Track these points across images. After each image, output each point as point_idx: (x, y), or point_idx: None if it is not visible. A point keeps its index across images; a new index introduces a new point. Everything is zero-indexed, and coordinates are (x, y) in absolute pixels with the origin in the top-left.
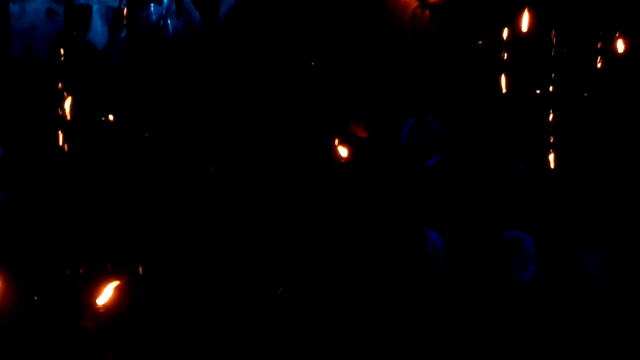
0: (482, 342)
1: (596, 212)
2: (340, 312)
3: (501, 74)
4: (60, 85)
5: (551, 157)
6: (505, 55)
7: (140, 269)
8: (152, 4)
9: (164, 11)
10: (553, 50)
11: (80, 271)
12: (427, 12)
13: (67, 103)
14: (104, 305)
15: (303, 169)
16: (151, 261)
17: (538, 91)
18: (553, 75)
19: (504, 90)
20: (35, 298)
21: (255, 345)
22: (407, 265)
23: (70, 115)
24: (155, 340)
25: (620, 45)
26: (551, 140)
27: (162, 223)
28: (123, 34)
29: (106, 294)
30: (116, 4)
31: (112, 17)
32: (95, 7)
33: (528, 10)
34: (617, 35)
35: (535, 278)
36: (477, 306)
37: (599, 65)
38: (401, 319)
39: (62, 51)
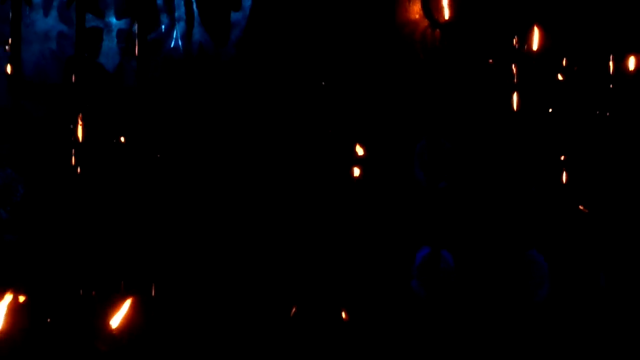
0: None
1: (609, 229)
2: (347, 321)
3: (512, 92)
4: (72, 107)
5: (564, 174)
6: (516, 73)
7: (153, 290)
8: (162, 26)
9: (175, 33)
10: (563, 67)
11: (93, 293)
12: (437, 32)
13: (79, 125)
14: (117, 327)
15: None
16: (163, 282)
17: (550, 109)
18: (564, 93)
19: (515, 109)
20: (49, 320)
21: None
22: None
23: (83, 137)
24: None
25: (631, 63)
26: (563, 158)
27: (175, 243)
28: (134, 55)
29: (119, 316)
30: (127, 27)
31: (124, 39)
32: (106, 29)
33: (537, 28)
34: (628, 53)
35: (549, 297)
36: (488, 323)
37: (609, 82)
38: (405, 334)
39: (73, 73)
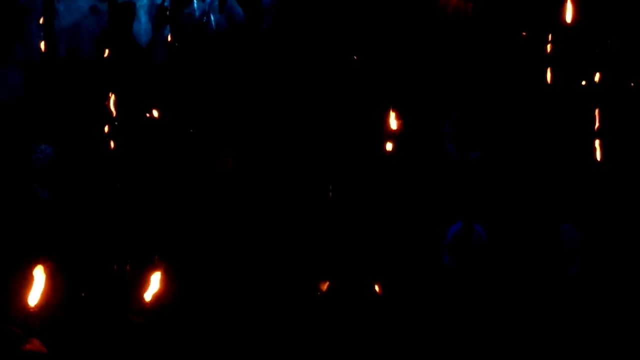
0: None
1: None
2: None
3: (546, 66)
4: (105, 82)
5: (598, 149)
6: (549, 47)
7: (184, 263)
8: (194, 1)
9: (206, 7)
10: (598, 40)
11: (127, 267)
12: (470, 5)
13: (112, 100)
14: (151, 300)
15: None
16: (195, 255)
17: (584, 82)
18: (598, 65)
19: (549, 81)
20: (83, 294)
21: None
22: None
23: (116, 112)
24: (200, 333)
25: None
26: (598, 132)
27: (208, 218)
28: (167, 31)
29: (153, 289)
30: (159, 1)
31: (156, 14)
32: (138, 4)
33: (570, 1)
34: None
35: (581, 271)
36: (521, 298)
37: None
38: (439, 308)
39: (106, 48)
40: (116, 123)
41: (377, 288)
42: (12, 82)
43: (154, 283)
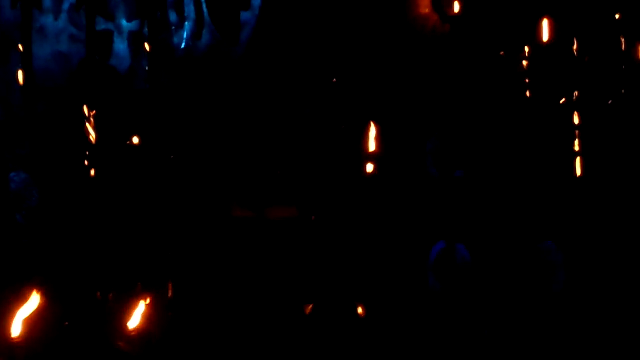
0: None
1: (623, 221)
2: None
3: (524, 84)
4: (84, 109)
5: (578, 164)
6: (526, 64)
7: (170, 290)
8: (173, 27)
9: (184, 33)
10: (574, 58)
11: (110, 294)
12: (447, 25)
13: (91, 127)
14: (135, 327)
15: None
16: (180, 282)
17: (562, 100)
18: (576, 83)
19: (526, 99)
20: (66, 323)
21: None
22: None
23: (95, 139)
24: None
25: None
26: (577, 148)
27: (190, 244)
28: (145, 57)
29: (137, 316)
30: (137, 28)
31: (134, 40)
32: (116, 31)
33: (547, 19)
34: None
35: (565, 288)
36: (506, 316)
37: (621, 71)
38: (423, 328)
39: (85, 76)
40: (96, 149)
41: (359, 309)
42: None
43: (137, 310)
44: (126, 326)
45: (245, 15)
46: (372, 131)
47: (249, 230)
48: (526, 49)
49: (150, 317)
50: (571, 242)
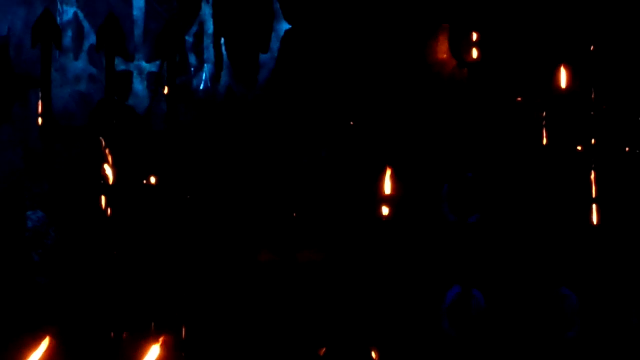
0: None
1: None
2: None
3: (541, 130)
4: (102, 149)
5: (594, 213)
6: (544, 111)
7: (183, 331)
8: (192, 68)
9: (203, 75)
10: (592, 106)
11: (124, 335)
12: (465, 71)
13: (109, 167)
14: None
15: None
16: (193, 323)
17: (579, 147)
18: (593, 130)
19: (543, 146)
20: None
21: None
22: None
23: (113, 179)
24: None
25: None
26: (594, 196)
27: (205, 286)
28: (164, 98)
29: (151, 356)
30: (156, 69)
31: (153, 82)
32: (135, 72)
33: (564, 67)
34: None
35: (580, 334)
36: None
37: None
38: None
39: (103, 116)
40: (113, 190)
41: (373, 354)
42: (10, 150)
43: (151, 350)
44: None
45: (263, 57)
46: (388, 174)
47: (268, 274)
48: (543, 95)
49: (163, 357)
50: (586, 289)
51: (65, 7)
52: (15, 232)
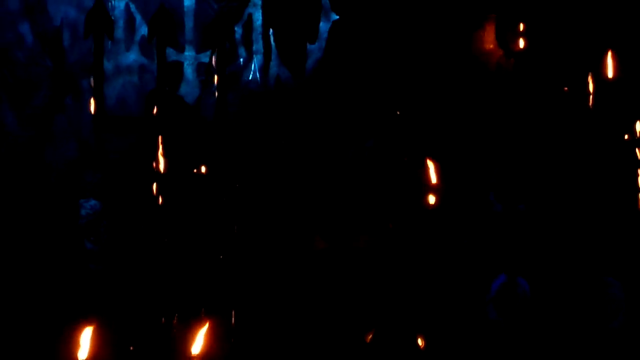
0: None
1: None
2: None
3: (588, 119)
4: (153, 139)
5: None
6: (590, 100)
7: (232, 317)
8: (241, 59)
9: (252, 65)
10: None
11: (174, 320)
12: (512, 60)
13: (161, 156)
14: (198, 352)
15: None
16: (243, 309)
17: (626, 136)
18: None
19: (590, 135)
20: (132, 348)
21: None
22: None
23: (164, 168)
24: None
25: None
26: None
27: (254, 272)
28: (214, 88)
29: (200, 341)
30: (207, 60)
31: (203, 72)
32: (186, 62)
33: (611, 54)
34: None
35: (625, 323)
36: (565, 351)
37: None
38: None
39: (155, 106)
40: (164, 178)
41: (420, 341)
42: (64, 140)
43: (201, 336)
44: (189, 351)
45: (311, 47)
46: (434, 165)
47: (321, 260)
48: (590, 84)
49: (212, 342)
50: (632, 278)
51: (116, 3)
52: (70, 220)
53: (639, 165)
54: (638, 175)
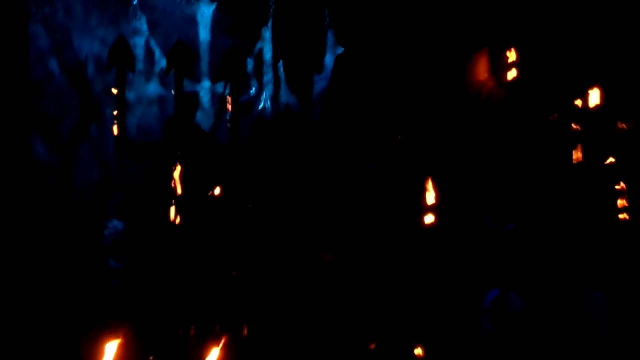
0: None
1: None
2: None
3: (575, 146)
4: (171, 163)
5: (625, 220)
6: (577, 128)
7: (245, 330)
8: (252, 89)
9: (263, 95)
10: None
11: (191, 332)
12: (502, 91)
13: (178, 179)
14: None
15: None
16: (256, 322)
17: (612, 159)
18: (623, 145)
19: (576, 160)
20: (151, 358)
21: None
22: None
23: (182, 190)
24: None
25: None
26: (625, 207)
27: (267, 288)
28: (227, 116)
29: (215, 352)
30: (221, 90)
31: (218, 101)
32: (202, 92)
33: (598, 88)
34: None
35: (611, 336)
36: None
37: None
38: None
39: (173, 133)
40: (181, 200)
41: (419, 349)
42: (88, 165)
43: (216, 347)
44: None
45: (317, 77)
46: (431, 186)
47: (329, 273)
48: (577, 114)
49: (227, 353)
50: (616, 294)
51: (137, 39)
52: (94, 239)
53: (620, 187)
54: (620, 197)
